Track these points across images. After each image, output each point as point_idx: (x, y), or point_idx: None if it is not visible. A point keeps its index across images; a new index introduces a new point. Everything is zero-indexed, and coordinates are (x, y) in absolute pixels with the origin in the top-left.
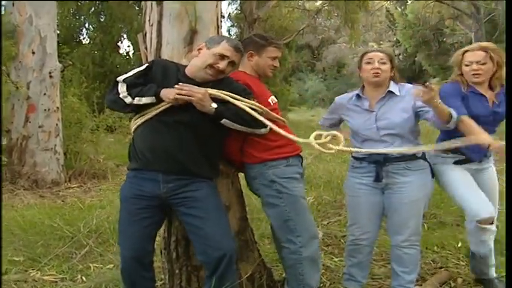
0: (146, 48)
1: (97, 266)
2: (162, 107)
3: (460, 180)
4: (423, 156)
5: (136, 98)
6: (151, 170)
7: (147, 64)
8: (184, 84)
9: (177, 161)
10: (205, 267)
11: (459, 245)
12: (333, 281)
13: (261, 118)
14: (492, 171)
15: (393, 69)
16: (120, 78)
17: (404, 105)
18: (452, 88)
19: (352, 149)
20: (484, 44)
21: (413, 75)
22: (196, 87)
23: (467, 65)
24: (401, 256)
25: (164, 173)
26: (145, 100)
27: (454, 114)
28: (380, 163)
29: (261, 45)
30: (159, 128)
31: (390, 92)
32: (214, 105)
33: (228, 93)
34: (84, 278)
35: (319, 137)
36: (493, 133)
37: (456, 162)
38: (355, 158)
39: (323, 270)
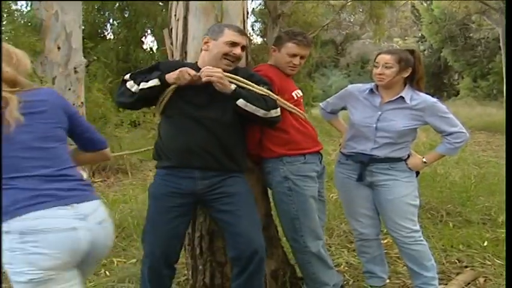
0: (172, 43)
1: (120, 260)
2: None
3: None
4: (408, 158)
5: (142, 83)
6: (187, 167)
7: (151, 64)
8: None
9: (213, 158)
10: (235, 263)
11: (485, 244)
12: (356, 279)
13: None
14: None
15: (406, 71)
16: (127, 75)
17: (411, 116)
18: None
19: None
20: None
21: (439, 71)
22: (212, 67)
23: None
24: (411, 254)
25: (201, 169)
26: (150, 84)
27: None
28: (364, 163)
29: (281, 40)
30: (192, 126)
31: (401, 97)
32: (234, 86)
33: (240, 78)
34: (107, 272)
35: None
36: None
37: None
38: (342, 153)
39: (346, 268)
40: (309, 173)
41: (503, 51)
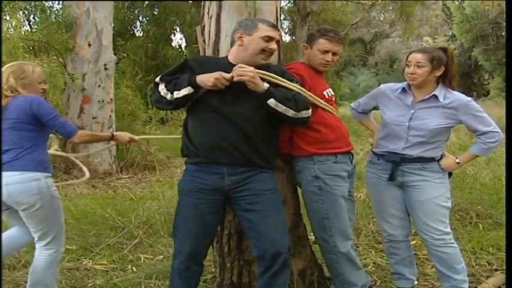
0: (204, 41)
1: (147, 257)
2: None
3: None
4: (440, 159)
5: (175, 92)
6: (216, 163)
7: (180, 62)
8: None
9: (242, 154)
10: (260, 263)
11: None
12: (384, 280)
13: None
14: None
15: (439, 69)
16: (158, 78)
17: (444, 115)
18: None
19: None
20: None
21: (469, 70)
22: (245, 65)
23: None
24: (440, 256)
25: (229, 165)
26: (183, 92)
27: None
28: (396, 163)
29: (313, 37)
30: (220, 122)
31: (435, 95)
32: (267, 85)
33: (272, 74)
34: (134, 268)
35: None
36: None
37: None
38: (374, 153)
39: (373, 269)
40: (339, 173)
41: None
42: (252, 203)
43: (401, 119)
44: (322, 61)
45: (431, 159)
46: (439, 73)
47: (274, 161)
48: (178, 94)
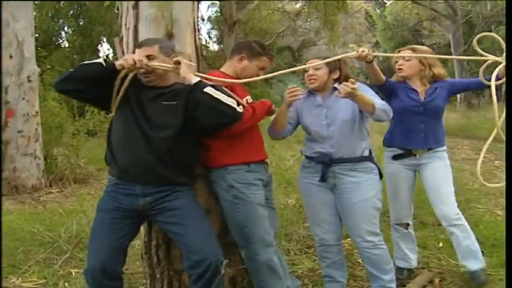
0: (123, 52)
1: (78, 271)
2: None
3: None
4: (370, 158)
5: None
6: (128, 182)
7: None
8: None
9: (155, 173)
10: (191, 272)
11: (440, 245)
12: (315, 283)
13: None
14: (437, 166)
15: (335, 72)
16: None
17: (351, 101)
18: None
19: None
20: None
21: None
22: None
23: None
24: (371, 258)
25: (142, 184)
26: (93, 61)
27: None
28: (326, 164)
29: (256, 52)
30: (134, 138)
31: (335, 88)
32: (198, 78)
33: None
34: (66, 284)
35: None
36: (427, 122)
37: (394, 157)
38: (306, 156)
39: (305, 273)
40: (253, 181)
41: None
42: (171, 216)
43: (318, 119)
44: (254, 75)
45: (362, 158)
46: (335, 76)
47: (192, 176)
48: (86, 62)
